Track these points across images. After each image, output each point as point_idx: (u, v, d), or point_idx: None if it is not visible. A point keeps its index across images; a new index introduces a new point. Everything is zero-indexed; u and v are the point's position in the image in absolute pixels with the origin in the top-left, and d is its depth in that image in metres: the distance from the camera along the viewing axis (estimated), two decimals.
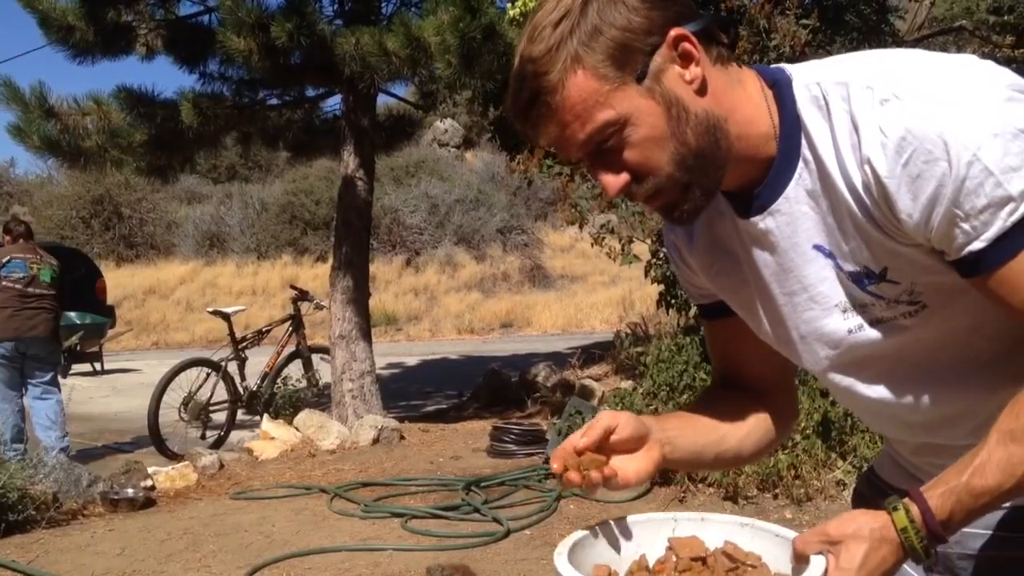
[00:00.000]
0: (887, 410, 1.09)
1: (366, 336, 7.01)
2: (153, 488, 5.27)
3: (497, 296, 19.47)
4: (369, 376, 6.93)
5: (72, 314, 11.94)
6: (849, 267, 1.01)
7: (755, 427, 1.22)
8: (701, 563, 1.03)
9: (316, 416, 6.54)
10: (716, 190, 1.03)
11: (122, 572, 3.87)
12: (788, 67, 1.04)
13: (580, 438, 1.04)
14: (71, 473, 5.14)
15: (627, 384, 6.78)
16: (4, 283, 6.02)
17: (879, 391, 1.08)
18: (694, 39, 0.97)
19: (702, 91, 0.98)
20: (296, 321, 7.52)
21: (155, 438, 6.52)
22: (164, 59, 7.32)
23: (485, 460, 5.83)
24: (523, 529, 4.33)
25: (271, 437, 6.33)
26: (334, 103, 7.97)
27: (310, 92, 7.79)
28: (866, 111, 0.92)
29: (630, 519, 1.11)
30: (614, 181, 1.00)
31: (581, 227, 6.28)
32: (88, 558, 4.10)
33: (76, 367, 11.39)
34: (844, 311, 1.04)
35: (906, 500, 0.94)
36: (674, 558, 1.04)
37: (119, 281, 19.18)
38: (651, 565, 1.05)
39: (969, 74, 0.90)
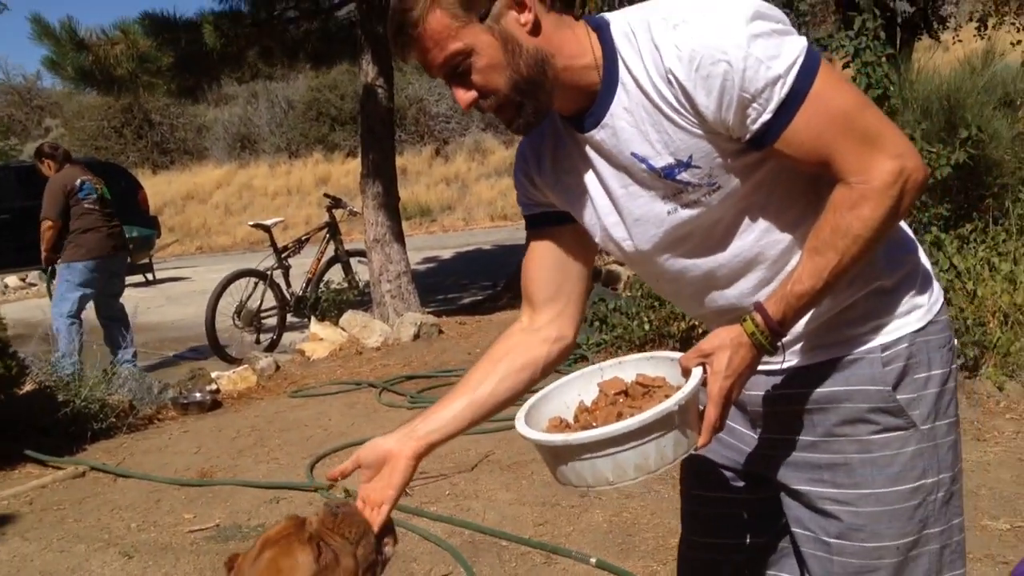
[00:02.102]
0: (700, 280, 1.40)
1: (399, 238, 7.38)
2: (218, 391, 5.79)
3: None
4: (405, 276, 7.33)
5: None
6: (661, 163, 1.30)
7: (516, 375, 1.48)
8: (624, 395, 1.37)
9: (359, 316, 6.99)
10: (546, 110, 1.32)
11: (201, 468, 4.37)
12: (607, 15, 1.35)
13: (332, 473, 1.44)
14: (143, 382, 5.65)
15: None
16: (85, 205, 6.22)
17: (695, 264, 1.38)
18: None
19: (535, 32, 1.27)
20: (332, 228, 7.91)
21: (214, 345, 7.02)
22: None
23: None
24: None
25: (320, 338, 6.81)
26: (351, 9, 8.09)
27: (325, 2, 7.92)
28: (663, 36, 1.24)
29: (567, 378, 1.45)
30: (465, 96, 1.29)
31: None
32: (169, 457, 4.61)
33: (129, 279, 11.94)
34: (663, 198, 1.34)
35: (752, 312, 1.29)
36: (603, 396, 1.38)
37: (157, 189, 19.60)
38: (588, 406, 1.39)
39: (730, 2, 1.22)
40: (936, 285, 1.44)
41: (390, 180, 7.39)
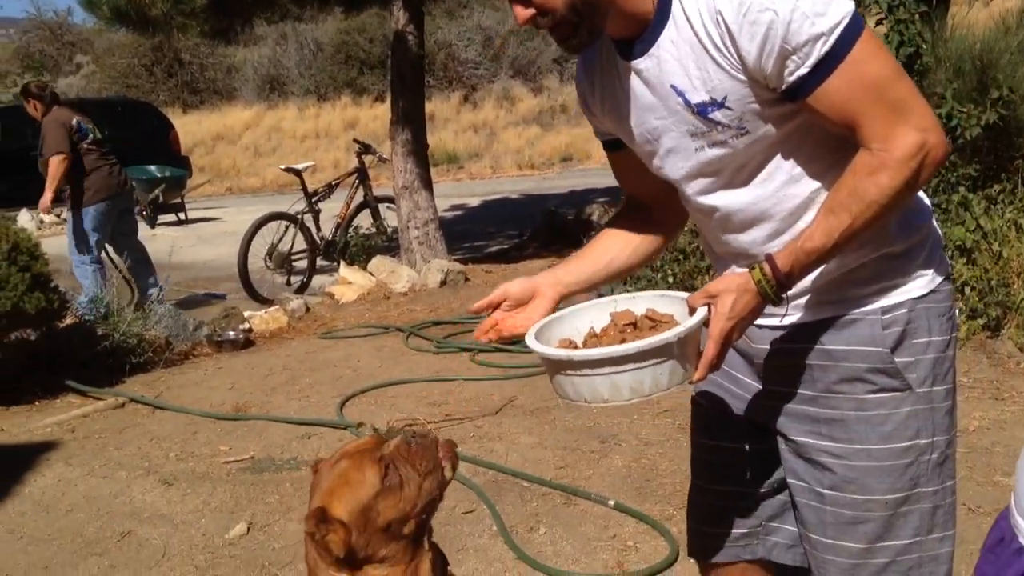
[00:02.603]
0: (719, 220, 1.47)
1: (427, 185, 7.45)
2: (251, 330, 5.95)
3: (556, 129, 19.57)
4: (433, 223, 7.42)
5: (152, 167, 12.60)
6: (696, 99, 1.35)
7: (640, 242, 1.65)
8: (632, 326, 1.46)
9: (387, 262, 7.11)
10: (599, 32, 1.38)
11: (236, 403, 4.53)
12: None
13: (475, 305, 1.58)
14: (178, 319, 5.82)
15: None
16: (86, 146, 6.13)
17: (716, 202, 1.45)
18: None
19: None
20: (362, 173, 7.99)
21: (246, 285, 7.16)
22: None
23: None
24: None
25: (348, 282, 6.93)
26: None
27: None
28: None
29: (582, 305, 1.56)
30: (524, 12, 1.34)
31: None
32: (204, 392, 4.78)
33: (162, 218, 12.14)
34: (692, 135, 1.40)
35: (761, 261, 1.34)
36: (613, 325, 1.48)
37: (187, 128, 19.72)
38: (598, 332, 1.49)
39: None
40: (943, 256, 1.49)
41: (419, 127, 7.44)
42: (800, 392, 1.48)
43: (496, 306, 1.57)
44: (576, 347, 1.45)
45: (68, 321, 5.32)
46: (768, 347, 1.51)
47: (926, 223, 1.46)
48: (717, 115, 1.35)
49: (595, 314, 1.53)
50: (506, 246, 9.06)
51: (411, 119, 7.39)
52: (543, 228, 8.78)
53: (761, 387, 1.56)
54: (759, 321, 1.44)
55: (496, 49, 23.02)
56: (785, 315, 1.47)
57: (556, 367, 1.38)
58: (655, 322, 1.43)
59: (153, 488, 3.56)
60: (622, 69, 1.45)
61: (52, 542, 3.18)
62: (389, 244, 7.91)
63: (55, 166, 6.02)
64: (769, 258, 1.34)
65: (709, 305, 1.35)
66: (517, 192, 13.64)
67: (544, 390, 4.41)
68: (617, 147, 1.60)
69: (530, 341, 1.44)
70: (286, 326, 6.12)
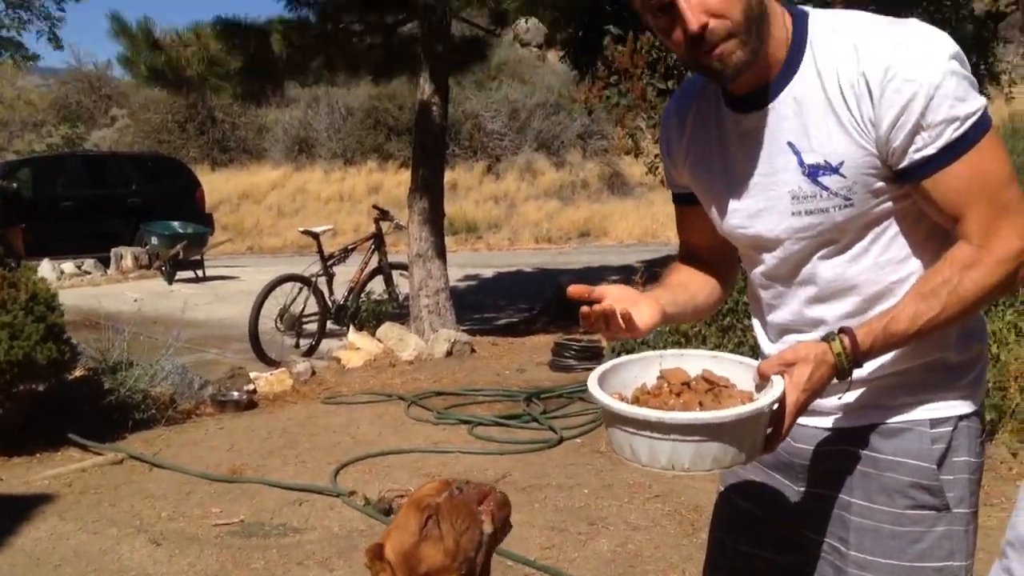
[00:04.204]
0: (798, 285, 1.45)
1: (441, 255, 7.56)
2: (255, 392, 6.01)
3: (575, 204, 19.79)
4: (444, 293, 7.51)
5: (175, 223, 12.86)
6: (811, 160, 1.33)
7: (712, 288, 1.62)
8: (686, 387, 1.36)
9: (396, 329, 7.19)
10: (758, 56, 1.33)
11: (232, 465, 4.57)
12: (807, 7, 1.42)
13: (574, 288, 1.38)
14: (185, 377, 5.89)
15: None
16: None
17: (804, 262, 1.42)
18: None
19: None
20: (378, 239, 8.12)
21: (255, 347, 7.24)
22: None
23: (547, 373, 6.39)
24: (574, 438, 4.87)
25: (356, 347, 7.01)
26: (412, 26, 8.33)
27: (389, 19, 8.17)
28: (868, 41, 1.30)
29: (626, 358, 1.45)
30: (698, 18, 1.27)
31: (636, 156, 6.63)
32: (203, 452, 4.82)
33: (180, 274, 12.32)
34: (794, 197, 1.37)
35: (840, 334, 1.30)
36: (666, 384, 1.37)
37: (214, 185, 20.04)
38: (650, 389, 1.39)
39: (930, 33, 1.29)
40: (986, 381, 1.49)
41: (437, 197, 7.59)
42: (840, 497, 1.45)
43: (595, 300, 1.39)
44: (625, 401, 1.36)
45: (77, 373, 5.41)
46: (811, 447, 1.49)
47: (982, 344, 1.47)
48: (827, 180, 1.34)
49: (640, 368, 1.43)
50: (515, 319, 9.12)
51: (430, 188, 7.55)
52: (553, 302, 8.84)
53: (795, 488, 1.54)
54: (804, 420, 1.42)
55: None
56: (843, 394, 1.43)
57: (637, 426, 1.26)
58: (712, 384, 1.35)
59: (142, 547, 3.59)
60: (727, 120, 1.44)
61: None
62: (400, 311, 8.00)
63: None
64: (849, 332, 1.30)
65: (784, 374, 1.29)
66: (532, 265, 13.76)
67: (538, 467, 4.43)
68: (688, 201, 1.59)
69: (595, 391, 1.33)
70: (290, 389, 6.18)
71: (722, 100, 1.45)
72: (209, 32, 7.50)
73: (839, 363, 1.30)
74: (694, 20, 1.27)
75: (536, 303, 9.44)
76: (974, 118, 1.26)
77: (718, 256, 1.62)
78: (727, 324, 5.56)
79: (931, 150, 1.27)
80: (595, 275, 10.67)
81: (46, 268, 11.06)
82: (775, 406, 1.26)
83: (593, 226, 17.80)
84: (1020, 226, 1.28)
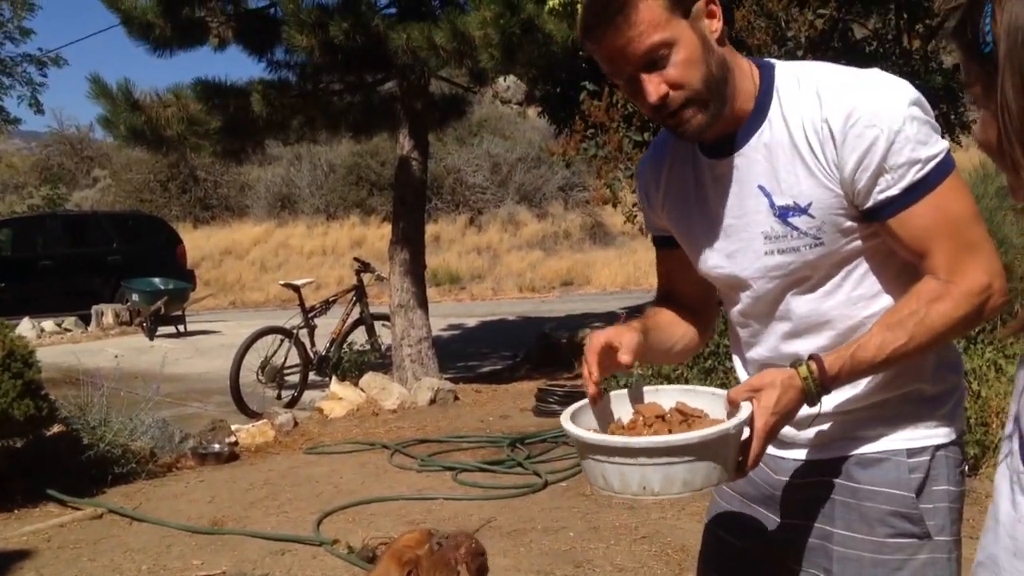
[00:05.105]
0: (774, 321, 1.48)
1: (422, 304, 7.58)
2: (236, 444, 5.95)
3: (558, 254, 19.91)
4: (426, 342, 7.52)
5: (156, 280, 12.83)
6: (781, 202, 1.39)
7: (687, 333, 1.63)
8: (661, 420, 1.38)
9: (379, 378, 7.17)
10: (720, 115, 1.38)
11: (213, 517, 4.51)
12: (771, 59, 1.47)
13: (590, 360, 1.40)
14: (165, 431, 5.83)
15: None
16: None
17: (779, 299, 1.47)
18: (718, 6, 1.39)
19: (720, 42, 1.38)
20: (359, 291, 8.15)
21: (236, 399, 7.21)
22: (235, 48, 7.87)
23: (531, 419, 6.37)
24: (559, 481, 4.85)
25: (339, 397, 6.98)
26: (391, 85, 8.45)
27: (368, 78, 8.29)
28: (829, 89, 1.35)
29: (604, 396, 1.45)
30: (657, 88, 1.34)
31: (615, 206, 6.72)
32: (183, 505, 4.76)
33: (161, 329, 12.27)
34: (767, 237, 1.42)
35: (808, 360, 1.33)
36: (641, 418, 1.40)
37: (196, 243, 20.08)
38: (625, 423, 1.42)
39: (891, 80, 1.35)
40: (964, 412, 1.52)
41: (418, 248, 7.64)
42: (817, 526, 1.48)
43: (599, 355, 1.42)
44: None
45: (56, 429, 5.35)
46: (789, 479, 1.52)
47: (958, 376, 1.50)
48: (797, 221, 1.38)
49: (617, 405, 1.47)
50: (499, 367, 9.11)
51: (410, 240, 7.60)
52: (536, 350, 8.86)
53: (778, 520, 1.55)
54: (783, 453, 1.47)
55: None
56: (812, 445, 1.47)
57: (606, 454, 1.28)
58: (686, 416, 1.38)
59: None
60: (702, 165, 1.49)
61: None
62: (382, 361, 7.99)
63: None
64: (816, 358, 1.33)
65: (752, 399, 1.32)
66: (515, 314, 13.78)
67: (524, 512, 4.40)
68: (668, 244, 1.63)
69: (566, 424, 1.36)
70: (272, 440, 6.13)
71: (697, 146, 1.50)
72: (189, 93, 7.57)
73: (807, 387, 1.32)
74: (653, 92, 1.34)
75: (519, 350, 9.44)
76: (935, 160, 1.31)
77: (696, 299, 1.65)
78: (709, 367, 5.60)
79: (895, 191, 1.32)
80: (578, 322, 10.70)
81: (26, 326, 10.99)
82: (742, 428, 1.29)
83: (576, 275, 17.89)
84: (986, 262, 1.32)
